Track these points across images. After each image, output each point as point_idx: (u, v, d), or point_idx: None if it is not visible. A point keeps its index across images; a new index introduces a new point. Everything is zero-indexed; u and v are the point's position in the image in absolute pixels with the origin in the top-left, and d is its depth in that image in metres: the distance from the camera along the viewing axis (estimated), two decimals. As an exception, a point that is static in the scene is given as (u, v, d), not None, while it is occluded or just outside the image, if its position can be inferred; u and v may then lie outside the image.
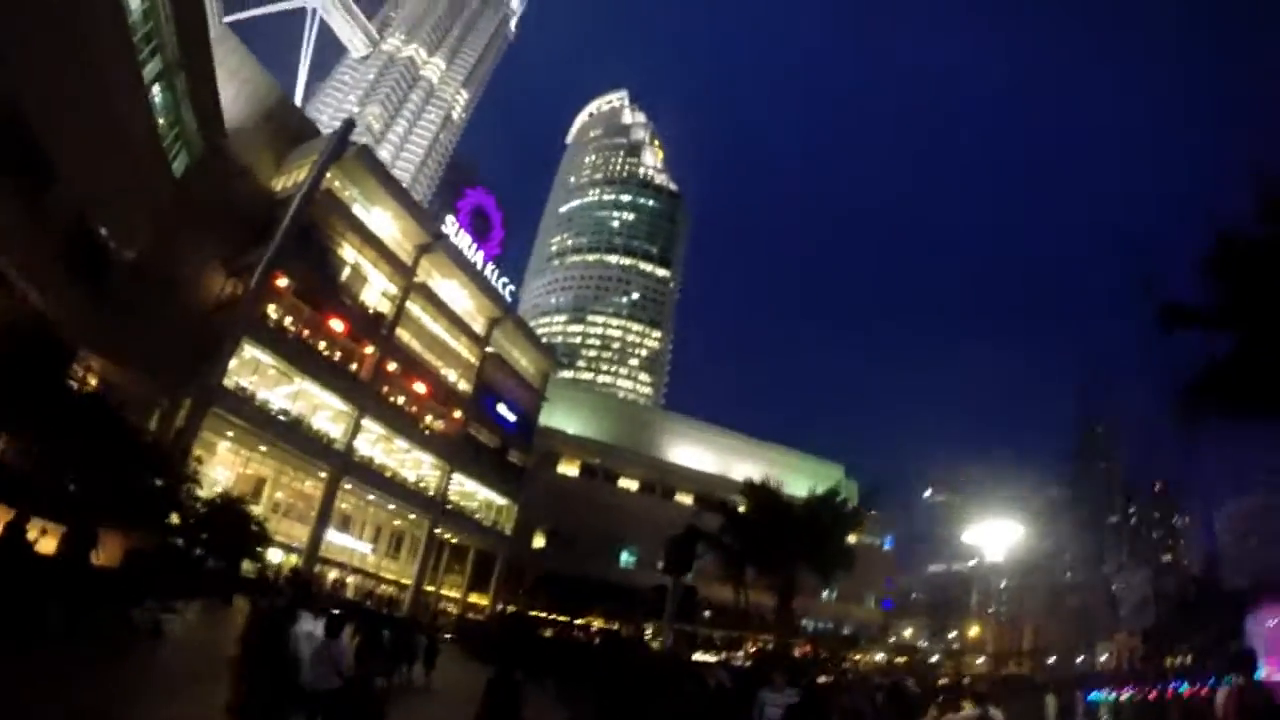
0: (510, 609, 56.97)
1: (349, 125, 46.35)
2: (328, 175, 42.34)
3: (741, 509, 30.38)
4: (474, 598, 59.81)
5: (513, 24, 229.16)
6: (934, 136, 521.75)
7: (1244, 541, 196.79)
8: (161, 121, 31.93)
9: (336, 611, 10.75)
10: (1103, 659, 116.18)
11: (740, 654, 70.09)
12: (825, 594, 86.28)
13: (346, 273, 45.27)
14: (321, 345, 41.93)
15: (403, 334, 50.17)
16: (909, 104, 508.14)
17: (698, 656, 62.15)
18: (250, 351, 36.54)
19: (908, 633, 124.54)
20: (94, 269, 27.89)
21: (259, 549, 32.76)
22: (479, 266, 57.68)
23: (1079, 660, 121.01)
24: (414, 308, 51.63)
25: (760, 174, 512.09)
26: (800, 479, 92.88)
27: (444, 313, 54.35)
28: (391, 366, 47.95)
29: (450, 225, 55.73)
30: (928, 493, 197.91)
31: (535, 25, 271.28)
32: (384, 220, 48.64)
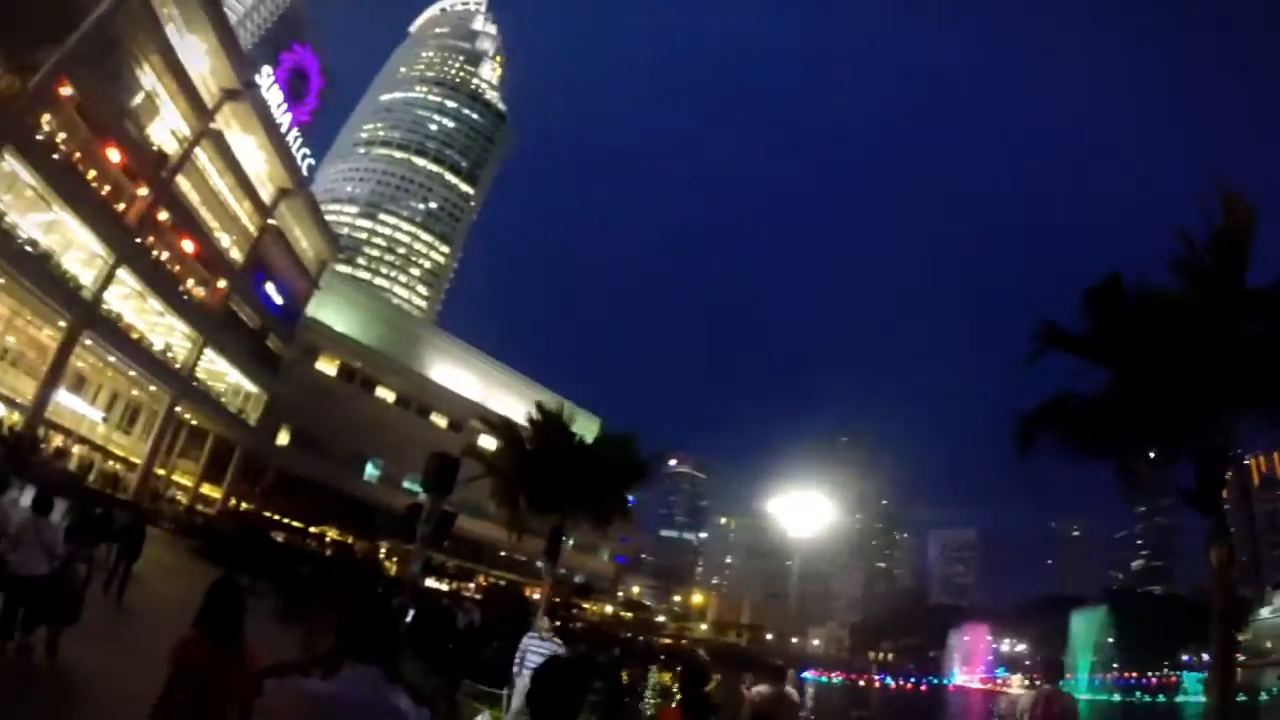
0: (245, 506, 53.86)
1: (184, -63, 40.97)
2: (149, -17, 37.28)
3: (526, 438, 29.17)
4: (207, 488, 55.79)
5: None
6: (757, 108, 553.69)
7: (951, 566, 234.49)
8: None
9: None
10: (815, 644, 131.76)
11: (471, 586, 71.67)
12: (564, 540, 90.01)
13: (139, 99, 39.97)
14: (91, 174, 36.91)
15: (183, 182, 45.28)
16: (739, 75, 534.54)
17: (429, 582, 62.86)
18: (10, 163, 31.39)
19: (635, 590, 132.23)
20: None
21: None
22: (283, 130, 53.50)
23: (794, 641, 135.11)
24: (202, 156, 46.74)
25: (591, 125, 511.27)
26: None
27: (233, 170, 49.58)
28: (163, 216, 43.08)
29: (265, 77, 51.16)
30: (672, 461, 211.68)
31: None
32: (196, 52, 43.54)
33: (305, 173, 59.57)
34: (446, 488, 14.25)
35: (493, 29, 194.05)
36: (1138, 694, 76.14)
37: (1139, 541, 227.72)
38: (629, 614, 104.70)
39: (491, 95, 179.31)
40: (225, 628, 4.28)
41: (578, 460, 26.74)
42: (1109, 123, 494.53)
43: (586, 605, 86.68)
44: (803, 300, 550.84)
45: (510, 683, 11.53)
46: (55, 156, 34.02)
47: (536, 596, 76.81)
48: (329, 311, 74.32)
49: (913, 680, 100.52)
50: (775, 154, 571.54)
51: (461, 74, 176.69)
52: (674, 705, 9.50)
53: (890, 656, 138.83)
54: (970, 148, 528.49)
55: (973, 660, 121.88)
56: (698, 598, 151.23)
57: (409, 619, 15.23)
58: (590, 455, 27.74)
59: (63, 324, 36.35)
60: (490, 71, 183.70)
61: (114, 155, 37.93)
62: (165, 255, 44.61)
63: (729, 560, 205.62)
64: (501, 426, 29.71)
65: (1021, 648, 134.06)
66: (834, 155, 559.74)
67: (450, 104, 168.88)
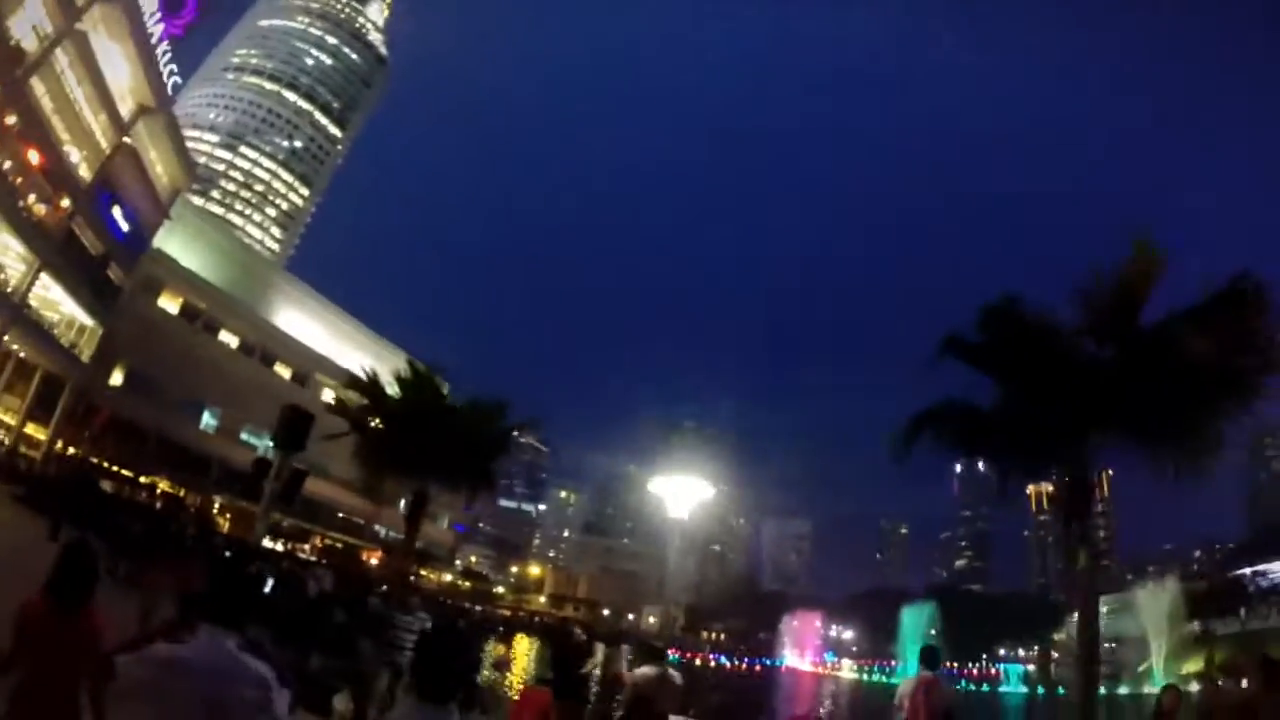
0: (74, 452, 49.02)
1: None
2: None
3: (393, 393, 27.48)
4: (31, 429, 50.27)
5: None
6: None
7: (784, 554, 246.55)
8: None
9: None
10: (651, 621, 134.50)
11: (307, 547, 68.85)
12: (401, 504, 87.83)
13: (0, -11, 36.18)
14: (-66, 61, 33.09)
15: (37, 87, 41.09)
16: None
17: (266, 543, 59.74)
18: None
19: (473, 559, 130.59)
20: None
21: None
22: (153, 40, 49.83)
23: (630, 618, 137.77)
24: (62, 59, 42.69)
25: (474, 76, 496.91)
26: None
27: (94, 78, 45.43)
28: (9, 120, 39.07)
29: (143, -22, 47.40)
30: (514, 433, 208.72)
31: None
32: (71, -59, 39.80)
33: (170, 91, 55.65)
34: (299, 443, 13.59)
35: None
36: (963, 683, 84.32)
37: (962, 543, 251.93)
38: (467, 584, 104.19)
39: (375, 37, 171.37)
40: (75, 595, 4.12)
41: (446, 424, 25.59)
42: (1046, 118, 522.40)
43: (425, 573, 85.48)
44: (660, 279, 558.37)
45: (368, 661, 11.19)
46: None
47: (374, 562, 75.33)
48: (176, 244, 68.92)
49: (746, 661, 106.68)
50: (647, 122, 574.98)
51: (347, 10, 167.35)
52: (538, 685, 9.04)
53: (721, 637, 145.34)
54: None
55: (803, 644, 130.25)
56: (535, 570, 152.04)
57: (267, 587, 14.52)
58: (458, 420, 26.49)
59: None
60: (378, 12, 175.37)
61: (-36, 45, 34.02)
62: (6, 164, 40.25)
63: (566, 534, 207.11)
64: (367, 382, 28.13)
65: (849, 634, 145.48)
66: (699, 127, 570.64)
67: (330, 40, 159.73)
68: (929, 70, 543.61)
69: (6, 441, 47.00)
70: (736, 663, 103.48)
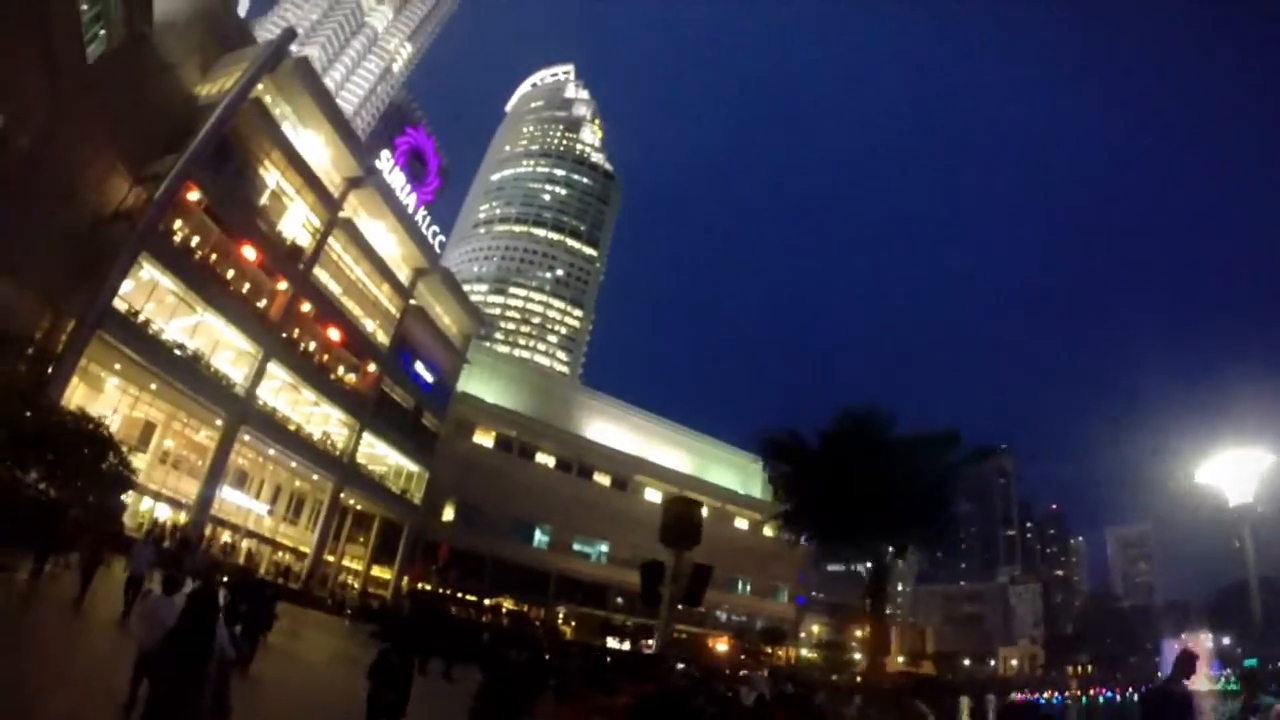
0: (422, 586, 53.18)
1: (290, 34, 41.94)
2: (259, 85, 37.98)
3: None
4: (377, 570, 56.03)
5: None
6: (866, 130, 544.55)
7: (1133, 565, 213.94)
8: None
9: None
10: (1012, 664, 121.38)
11: (650, 643, 68.51)
12: (740, 587, 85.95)
13: (266, 197, 40.89)
14: (230, 274, 37.58)
15: (320, 273, 46.02)
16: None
17: (611, 643, 60.23)
18: (149, 271, 31.92)
19: (815, 629, 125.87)
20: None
21: (122, 489, 27.19)
22: (410, 210, 54.10)
23: (991, 664, 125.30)
24: (335, 246, 47.64)
25: (694, 166, 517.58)
26: (720, 469, 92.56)
27: (368, 255, 50.30)
28: (305, 307, 43.78)
29: (385, 161, 52.04)
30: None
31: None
32: (314, 144, 44.55)
33: (437, 249, 59.92)
34: (692, 537, 11.75)
35: (585, 94, 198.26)
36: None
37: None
38: (813, 655, 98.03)
39: (597, 158, 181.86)
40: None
41: (893, 470, 20.20)
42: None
43: (772, 650, 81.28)
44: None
45: None
46: (192, 259, 34.48)
47: (721, 647, 72.81)
48: (477, 384, 74.51)
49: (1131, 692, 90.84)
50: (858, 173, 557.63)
51: (564, 142, 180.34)
52: None
53: (1089, 669, 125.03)
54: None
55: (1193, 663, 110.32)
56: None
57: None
58: (905, 461, 20.76)
59: (219, 422, 36.58)
60: (591, 135, 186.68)
61: (249, 253, 38.52)
62: (312, 345, 45.11)
63: (900, 587, 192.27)
64: (786, 444, 22.71)
65: (1226, 641, 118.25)
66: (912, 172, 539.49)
67: (559, 172, 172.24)
68: None
69: (356, 585, 51.64)
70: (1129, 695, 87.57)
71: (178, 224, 33.93)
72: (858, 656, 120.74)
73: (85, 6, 27.59)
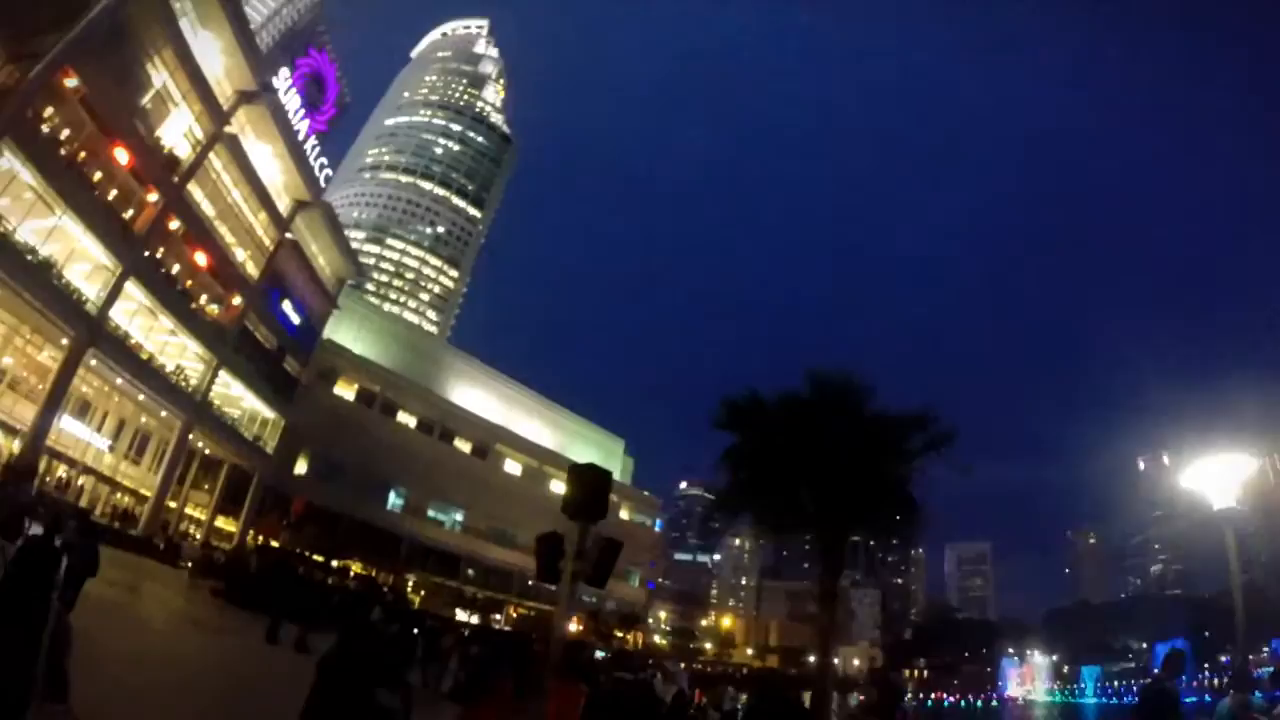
0: (270, 541, 49.61)
1: (198, -75, 37.84)
2: (161, -28, 34.13)
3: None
4: (222, 521, 52.11)
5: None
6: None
7: (969, 580, 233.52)
8: None
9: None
10: (855, 663, 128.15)
11: (500, 617, 67.74)
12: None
13: (149, 97, 36.60)
14: (97, 177, 33.46)
15: (195, 190, 41.91)
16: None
17: (460, 615, 58.91)
18: (9, 160, 27.59)
19: (662, 615, 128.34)
20: None
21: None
22: (300, 137, 50.63)
23: (836, 662, 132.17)
24: (216, 163, 43.64)
25: (602, 142, 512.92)
26: (583, 446, 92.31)
27: (249, 178, 46.46)
28: (174, 225, 39.78)
29: (282, 80, 48.48)
30: (683, 484, 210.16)
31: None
32: (211, 48, 40.64)
33: (323, 184, 56.44)
34: (599, 509, 10.82)
35: (495, 52, 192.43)
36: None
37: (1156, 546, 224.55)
38: (664, 642, 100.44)
39: (496, 118, 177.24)
40: None
41: (861, 442, 18.23)
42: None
43: (620, 634, 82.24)
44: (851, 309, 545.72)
45: None
46: (58, 154, 30.64)
47: (576, 628, 72.92)
48: (345, 334, 70.94)
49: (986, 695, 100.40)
50: (775, 156, 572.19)
51: (466, 97, 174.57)
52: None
53: (925, 674, 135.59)
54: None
55: (1021, 672, 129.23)
56: (726, 621, 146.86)
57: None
58: (886, 438, 18.68)
59: (65, 341, 32.71)
60: (494, 94, 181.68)
61: (122, 156, 34.64)
62: (176, 268, 41.36)
63: (745, 581, 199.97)
64: (744, 408, 19.48)
65: (1055, 656, 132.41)
66: (837, 157, 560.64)
67: (455, 127, 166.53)
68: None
69: (199, 536, 47.85)
70: (970, 700, 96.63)
71: (49, 111, 29.86)
72: (707, 645, 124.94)
73: None
